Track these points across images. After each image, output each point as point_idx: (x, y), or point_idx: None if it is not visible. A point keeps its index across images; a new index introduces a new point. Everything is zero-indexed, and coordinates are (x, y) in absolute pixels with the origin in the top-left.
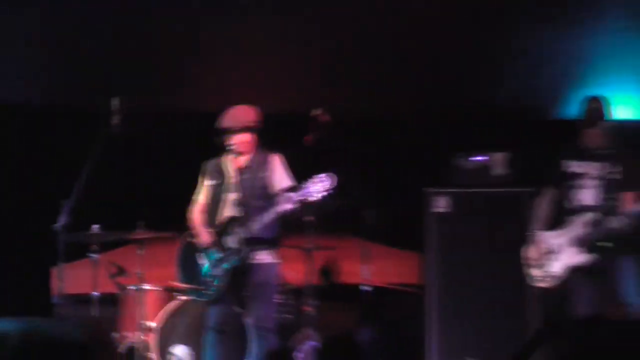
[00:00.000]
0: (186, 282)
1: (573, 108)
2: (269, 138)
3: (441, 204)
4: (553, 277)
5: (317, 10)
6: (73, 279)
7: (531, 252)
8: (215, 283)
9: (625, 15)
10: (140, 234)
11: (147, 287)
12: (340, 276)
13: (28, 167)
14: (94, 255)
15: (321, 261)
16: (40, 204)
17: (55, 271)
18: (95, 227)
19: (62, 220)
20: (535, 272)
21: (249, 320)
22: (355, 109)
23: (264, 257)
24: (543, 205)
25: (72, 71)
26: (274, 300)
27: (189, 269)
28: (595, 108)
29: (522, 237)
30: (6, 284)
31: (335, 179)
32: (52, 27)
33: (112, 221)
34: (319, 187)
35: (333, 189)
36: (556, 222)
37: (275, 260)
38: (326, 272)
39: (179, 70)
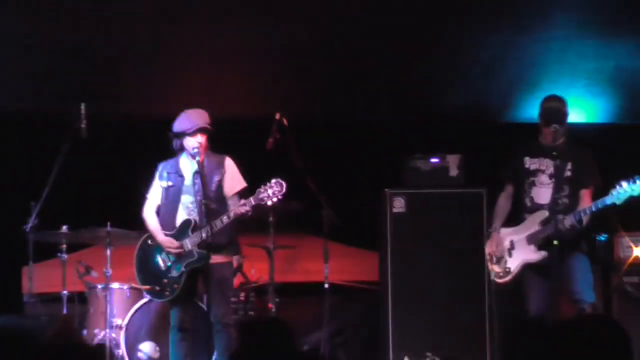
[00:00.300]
0: (145, 283)
1: (524, 111)
2: (228, 141)
3: (398, 204)
4: (510, 272)
5: (276, 18)
6: (43, 278)
7: (491, 248)
8: (174, 284)
9: (573, 24)
10: (108, 234)
11: (115, 286)
12: (302, 274)
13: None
14: (63, 255)
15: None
16: (11, 205)
17: (25, 270)
18: (64, 228)
19: (31, 221)
20: (495, 267)
21: (209, 318)
22: (313, 114)
23: (219, 258)
24: (502, 202)
25: (39, 78)
26: (231, 297)
27: (147, 269)
28: (553, 107)
29: (476, 236)
30: None
31: (285, 185)
32: (20, 35)
33: (80, 222)
34: (271, 192)
35: (284, 194)
36: (515, 218)
37: (229, 260)
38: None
39: (142, 77)
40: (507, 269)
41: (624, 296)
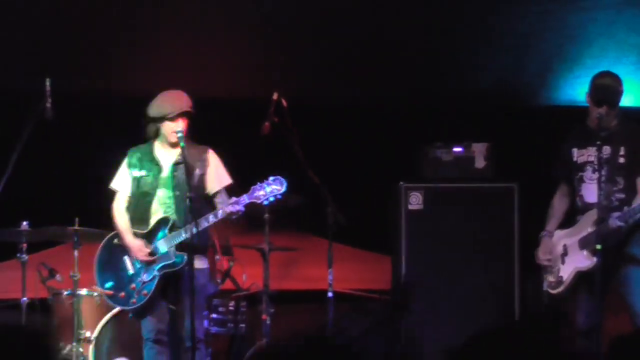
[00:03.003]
0: (107, 288)
1: (563, 92)
2: (216, 126)
3: (415, 201)
4: (562, 282)
5: None
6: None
7: (543, 255)
8: (143, 290)
9: None
10: (76, 231)
11: (83, 292)
12: (302, 281)
13: None
14: (23, 256)
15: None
16: None
17: None
18: (24, 224)
19: None
20: (548, 277)
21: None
22: (316, 95)
23: (198, 263)
24: (556, 202)
25: (4, 54)
26: (204, 308)
27: (111, 272)
28: (607, 84)
29: (506, 238)
30: None
31: (286, 183)
32: None
33: (43, 217)
34: (269, 190)
35: (283, 193)
36: (569, 220)
37: (206, 266)
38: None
39: (115, 52)
40: (560, 278)
41: None
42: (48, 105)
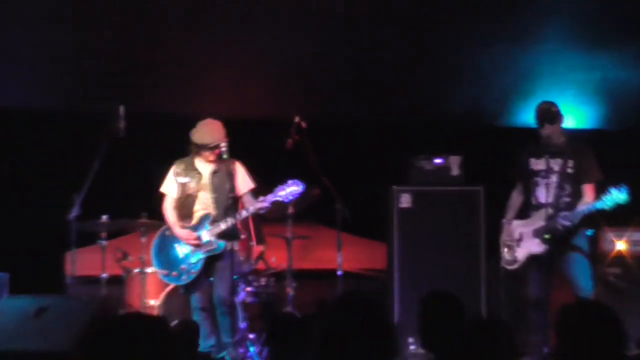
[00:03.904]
0: (162, 269)
1: (519, 117)
2: (251, 142)
3: (405, 200)
4: (517, 261)
5: (295, 27)
6: (84, 263)
7: (504, 237)
8: (191, 270)
9: (562, 37)
10: (143, 223)
11: (149, 270)
12: (317, 262)
13: (46, 164)
14: (103, 242)
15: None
16: (56, 197)
17: (68, 255)
18: (104, 217)
19: (74, 211)
20: (506, 255)
21: (215, 299)
22: (328, 117)
23: (230, 246)
24: (514, 197)
25: (82, 82)
26: (235, 281)
27: (165, 257)
28: (543, 108)
29: (474, 229)
30: (26, 267)
31: (303, 185)
32: (65, 42)
33: (118, 212)
34: (289, 190)
35: (300, 193)
36: (524, 213)
37: (237, 249)
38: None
39: (176, 81)
40: (515, 258)
41: (607, 286)
42: (121, 126)
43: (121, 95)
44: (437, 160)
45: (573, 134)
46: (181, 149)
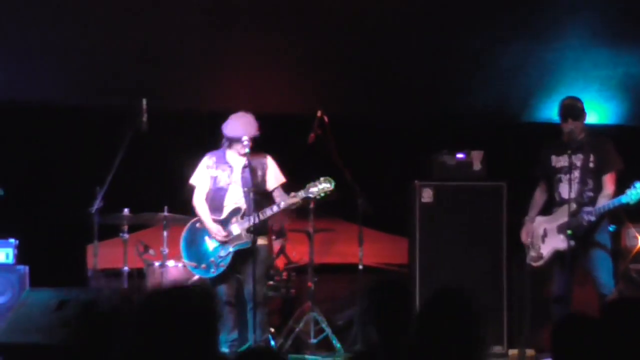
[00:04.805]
0: (191, 261)
1: (542, 113)
2: (273, 136)
3: (426, 195)
4: (542, 258)
5: (317, 23)
6: (105, 256)
7: (526, 235)
8: (220, 263)
9: (586, 34)
10: (165, 216)
11: (170, 263)
12: (338, 256)
13: (69, 158)
14: (124, 235)
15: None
16: (78, 190)
17: (90, 248)
18: (126, 211)
19: (96, 204)
20: (530, 252)
21: (245, 294)
22: (351, 112)
23: (263, 240)
24: (537, 195)
25: (105, 76)
26: (265, 277)
27: (195, 249)
28: (568, 104)
29: (497, 224)
30: (49, 259)
31: (334, 182)
32: (89, 38)
33: (140, 205)
34: (320, 187)
35: (332, 190)
36: (547, 210)
37: (267, 243)
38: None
39: (198, 76)
40: (540, 255)
41: (630, 282)
42: (144, 119)
43: (144, 90)
44: (459, 156)
45: (593, 129)
46: (202, 143)
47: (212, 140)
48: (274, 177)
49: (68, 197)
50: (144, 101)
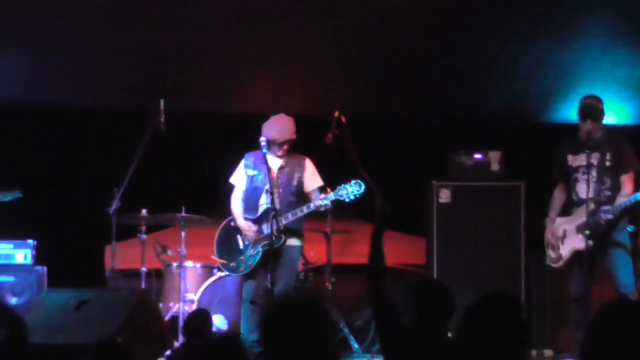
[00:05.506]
0: (222, 259)
1: (561, 113)
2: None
3: (444, 196)
4: (562, 259)
5: (335, 27)
6: (124, 256)
7: (547, 236)
8: (250, 262)
9: (605, 34)
10: (183, 217)
11: (188, 264)
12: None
13: (87, 159)
14: (142, 236)
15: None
16: (96, 191)
17: (108, 249)
18: (144, 211)
19: (114, 205)
20: (550, 253)
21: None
22: (369, 113)
23: (292, 241)
24: (556, 195)
25: (123, 77)
26: (294, 276)
27: (227, 248)
28: (589, 103)
29: (514, 225)
30: (67, 260)
31: (364, 185)
32: (108, 40)
33: (158, 206)
34: (350, 190)
35: (362, 193)
36: (566, 210)
37: (300, 244)
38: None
39: (217, 77)
40: (560, 255)
41: None
42: (162, 120)
43: (163, 91)
44: (477, 156)
45: (610, 128)
46: (221, 144)
47: (232, 140)
48: (311, 179)
49: (86, 197)
50: (162, 102)
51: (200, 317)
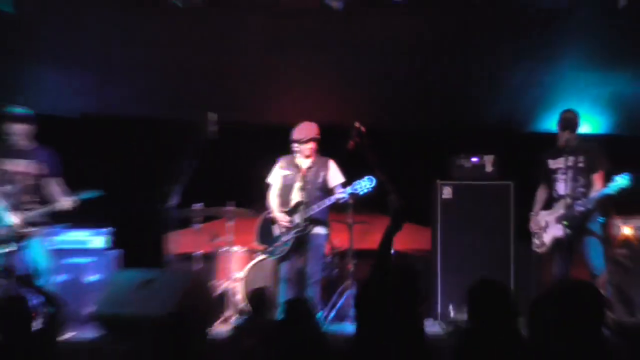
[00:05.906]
0: (262, 244)
1: (543, 124)
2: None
3: (446, 192)
4: (545, 245)
5: (355, 52)
6: (181, 243)
7: (532, 226)
8: (284, 246)
9: (581, 59)
10: (230, 210)
11: (235, 248)
12: (373, 243)
13: (152, 162)
14: (197, 225)
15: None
16: (158, 188)
17: (169, 237)
18: (198, 205)
19: (173, 200)
20: (535, 241)
21: (305, 274)
22: (384, 122)
23: (318, 229)
24: (540, 193)
25: (185, 94)
26: (322, 260)
27: (265, 235)
28: (568, 117)
29: (505, 218)
30: (134, 246)
31: (375, 180)
32: (166, 59)
33: (210, 201)
34: (364, 184)
35: (374, 187)
36: (548, 205)
37: (325, 232)
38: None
39: (258, 93)
40: (543, 242)
41: (616, 265)
42: (213, 130)
43: (214, 105)
44: (474, 159)
45: (584, 136)
46: (260, 150)
47: (269, 146)
48: (334, 176)
49: (152, 194)
50: (214, 115)
51: (259, 293)
